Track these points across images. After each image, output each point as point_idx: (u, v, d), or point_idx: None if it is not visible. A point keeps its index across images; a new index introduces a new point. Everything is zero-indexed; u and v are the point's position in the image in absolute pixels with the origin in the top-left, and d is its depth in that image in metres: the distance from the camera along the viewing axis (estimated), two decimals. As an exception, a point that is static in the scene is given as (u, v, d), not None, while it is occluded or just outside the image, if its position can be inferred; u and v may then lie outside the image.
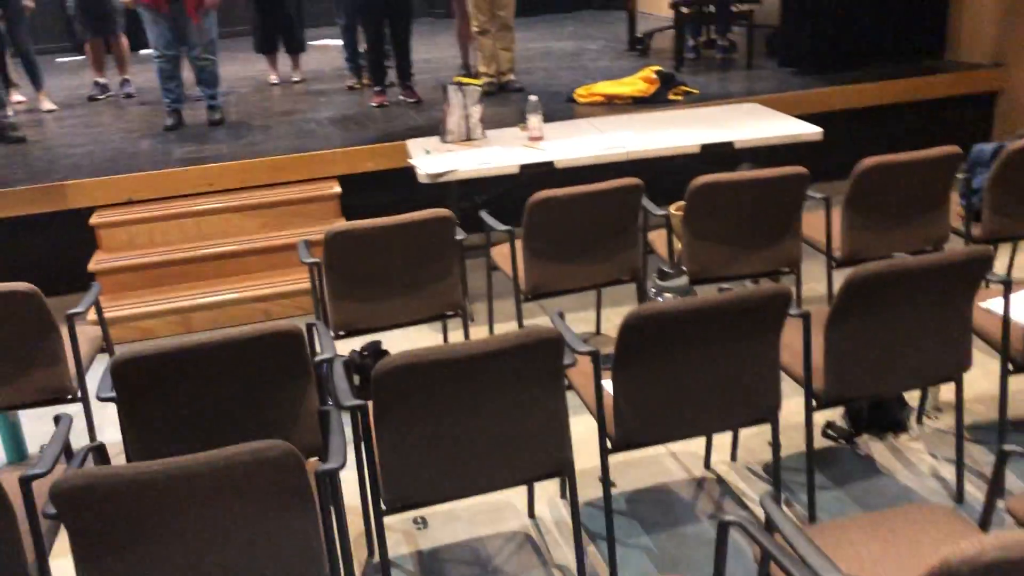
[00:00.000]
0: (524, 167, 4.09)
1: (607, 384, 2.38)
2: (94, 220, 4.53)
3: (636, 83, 5.56)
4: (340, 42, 6.97)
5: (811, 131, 4.27)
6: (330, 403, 2.40)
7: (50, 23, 8.71)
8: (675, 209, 3.54)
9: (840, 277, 3.58)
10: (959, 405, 2.71)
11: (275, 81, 7.11)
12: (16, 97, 6.62)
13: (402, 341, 3.63)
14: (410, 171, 4.32)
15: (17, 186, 4.61)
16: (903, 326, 2.47)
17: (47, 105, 6.53)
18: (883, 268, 2.37)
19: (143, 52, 8.10)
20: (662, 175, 4.24)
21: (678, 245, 3.49)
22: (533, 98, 4.40)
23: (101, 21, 6.59)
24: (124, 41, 6.87)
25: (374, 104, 6.01)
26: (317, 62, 7.88)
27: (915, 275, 2.40)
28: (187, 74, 5.85)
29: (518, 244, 3.42)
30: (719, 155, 4.22)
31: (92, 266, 4.38)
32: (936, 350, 2.53)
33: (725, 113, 4.81)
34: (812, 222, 3.58)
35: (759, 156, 4.31)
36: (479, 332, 3.81)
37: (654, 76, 5.56)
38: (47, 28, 8.70)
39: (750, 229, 3.34)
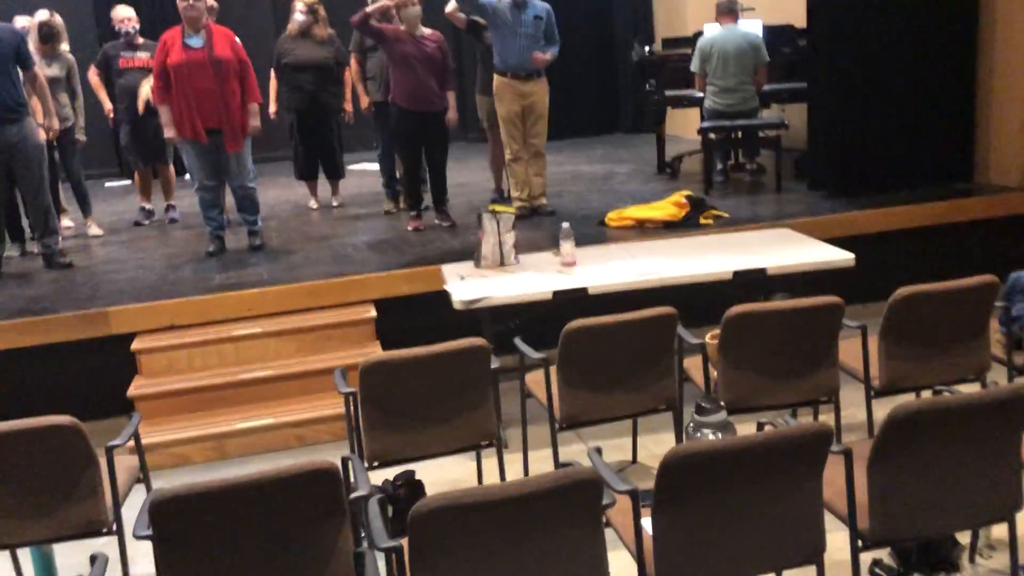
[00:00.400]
0: (557, 293, 4.13)
1: (646, 522, 2.34)
2: (135, 346, 4.62)
3: (667, 207, 5.65)
4: (377, 167, 7.19)
5: (843, 257, 4.29)
6: (365, 543, 2.37)
7: (101, 149, 9.09)
8: (710, 338, 3.53)
9: (879, 406, 3.55)
10: (1013, 544, 2.62)
11: (314, 206, 7.31)
12: (65, 222, 6.86)
13: (435, 471, 3.61)
14: (445, 294, 4.39)
15: (62, 312, 4.73)
16: (949, 465, 2.41)
17: (94, 231, 6.75)
18: (925, 405, 2.34)
19: (188, 178, 8.41)
20: (695, 300, 4.26)
21: (714, 373, 3.48)
22: (566, 225, 4.49)
23: (151, 151, 6.87)
24: (171, 169, 7.14)
25: (410, 228, 6.14)
26: (356, 186, 8.11)
27: (959, 412, 2.37)
28: (230, 198, 6.05)
29: (553, 371, 3.42)
30: (752, 281, 4.24)
31: (132, 392, 4.44)
32: (985, 490, 2.47)
33: (757, 238, 4.86)
34: (849, 349, 3.55)
35: (792, 281, 4.32)
36: (513, 460, 3.77)
37: (684, 200, 5.65)
38: (98, 154, 9.07)
39: (787, 359, 3.33)
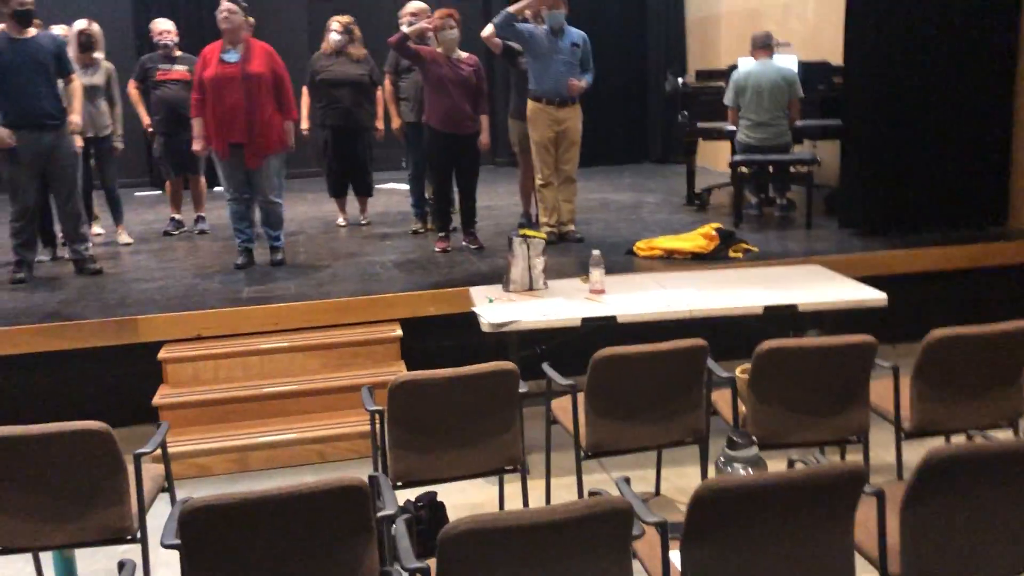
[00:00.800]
0: (586, 320, 4.12)
1: (674, 555, 2.31)
2: (162, 354, 4.64)
3: (696, 239, 5.64)
4: (406, 186, 7.22)
5: (875, 297, 4.26)
6: (391, 564, 2.36)
7: (133, 159, 9.15)
8: (740, 372, 3.51)
9: (908, 448, 3.50)
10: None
11: (343, 223, 7.35)
12: (96, 230, 6.92)
13: (456, 494, 3.59)
14: (471, 316, 4.39)
15: (91, 318, 4.77)
16: (983, 511, 2.37)
17: (124, 239, 6.82)
18: (962, 451, 2.31)
19: (217, 189, 8.48)
20: (724, 333, 4.24)
21: (743, 408, 3.45)
22: (596, 252, 4.49)
23: (183, 162, 6.95)
24: (202, 180, 7.21)
25: (437, 249, 6.16)
26: (383, 205, 8.15)
27: (996, 459, 2.33)
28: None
29: (580, 398, 3.40)
30: (782, 317, 4.21)
31: (157, 400, 4.46)
32: (1020, 538, 2.42)
33: (787, 274, 4.84)
34: (880, 389, 3.51)
35: (823, 318, 4.29)
36: (535, 486, 3.74)
37: (714, 233, 5.63)
38: (130, 163, 9.13)
39: (817, 396, 3.29)
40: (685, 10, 10.67)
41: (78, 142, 6.10)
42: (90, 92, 6.40)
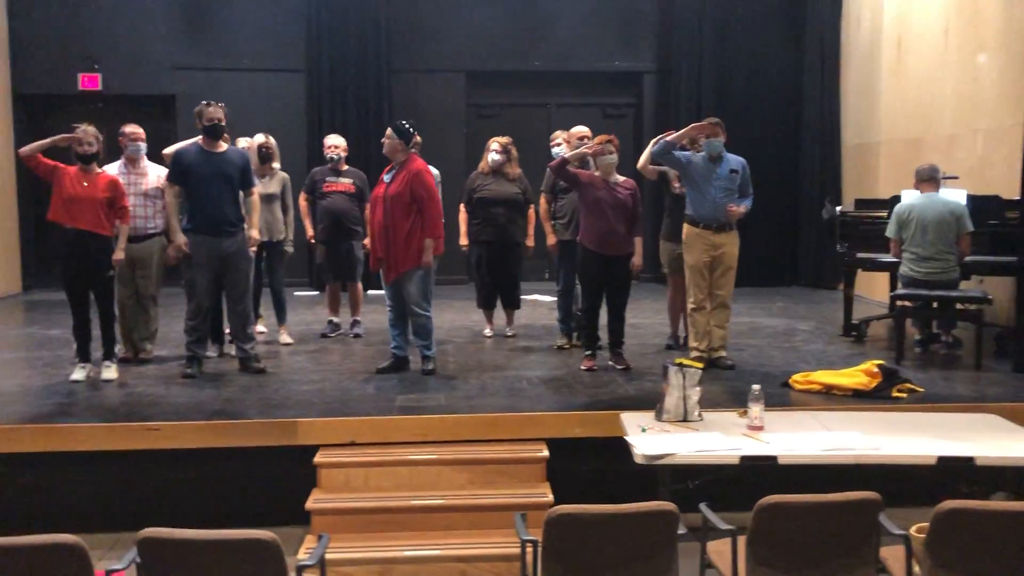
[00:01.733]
0: (745, 459, 3.98)
1: None
2: (318, 459, 4.76)
3: (857, 375, 5.41)
4: (550, 298, 7.28)
5: (1065, 455, 3.94)
6: None
7: (296, 261, 9.64)
8: (916, 531, 3.29)
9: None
10: None
11: (489, 334, 7.46)
12: (259, 328, 7.27)
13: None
14: (619, 442, 4.32)
15: (254, 418, 4.97)
16: None
17: (285, 339, 7.13)
18: None
19: (372, 292, 8.81)
20: (890, 480, 4.01)
21: (917, 569, 3.22)
22: (756, 388, 4.36)
23: (343, 269, 7.27)
24: (359, 286, 7.50)
25: (584, 368, 6.14)
26: (528, 317, 8.22)
27: None
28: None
29: (740, 543, 3.25)
30: (958, 470, 3.95)
31: (310, 504, 4.56)
32: None
33: (961, 421, 4.55)
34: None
35: (1005, 474, 4.00)
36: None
37: (876, 370, 5.40)
38: (293, 265, 9.60)
39: (1006, 569, 3.04)
40: (842, 136, 10.55)
41: (252, 247, 6.51)
42: (267, 199, 6.84)
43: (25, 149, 5.73)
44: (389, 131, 5.99)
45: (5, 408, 5.23)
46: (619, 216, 6.01)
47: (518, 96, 11.25)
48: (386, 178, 6.00)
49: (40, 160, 5.69)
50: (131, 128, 6.38)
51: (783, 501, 3.13)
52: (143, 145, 6.38)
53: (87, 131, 5.75)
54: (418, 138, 6.60)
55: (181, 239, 5.88)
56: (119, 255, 5.84)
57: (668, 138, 6.01)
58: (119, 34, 10.55)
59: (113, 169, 6.20)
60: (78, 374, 5.82)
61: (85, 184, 5.69)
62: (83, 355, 5.88)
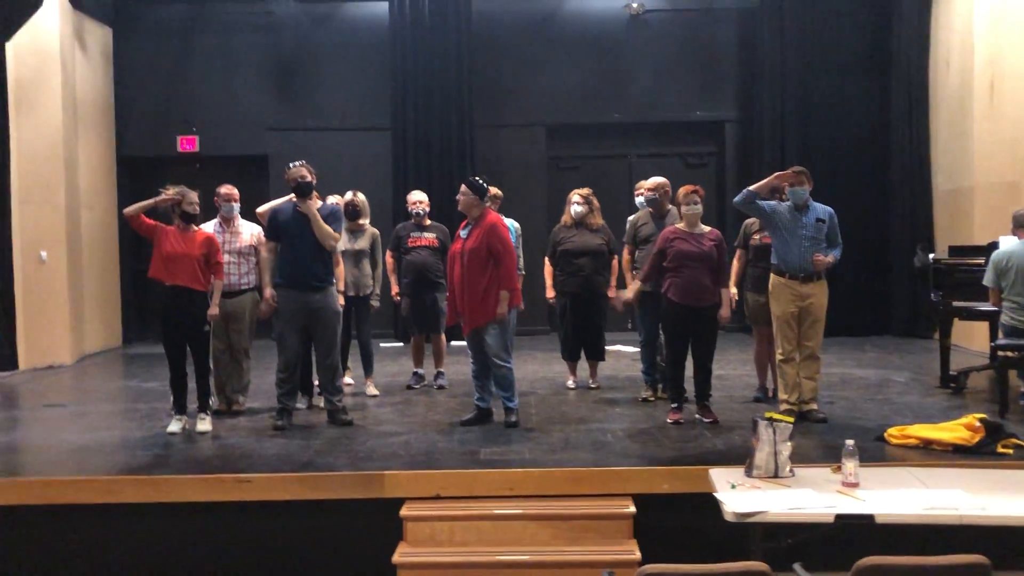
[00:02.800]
0: (840, 517, 3.85)
1: None
2: (404, 512, 4.78)
3: (958, 429, 5.20)
4: (632, 349, 7.22)
5: None
6: None
7: (381, 313, 9.79)
8: (1028, 597, 3.12)
9: None
10: None
11: (572, 385, 7.43)
12: (346, 380, 7.39)
13: None
14: (708, 498, 4.23)
15: (341, 470, 5.04)
16: None
17: (371, 390, 7.24)
18: None
19: (455, 344, 8.89)
20: (996, 541, 3.81)
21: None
22: (850, 443, 4.23)
23: (427, 322, 7.37)
24: (443, 339, 7.58)
25: (670, 420, 6.05)
26: (611, 368, 8.17)
27: None
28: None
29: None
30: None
31: (397, 558, 4.57)
32: None
33: (1072, 479, 4.31)
34: None
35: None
36: None
37: (978, 424, 5.17)
38: (379, 317, 9.78)
39: None
40: (932, 181, 10.28)
41: (340, 300, 6.67)
42: (356, 255, 7.01)
43: (129, 209, 6.01)
44: (464, 187, 6.10)
45: (105, 459, 5.43)
46: (704, 267, 5.96)
47: (598, 148, 11.34)
48: (462, 234, 6.10)
49: (142, 220, 5.97)
50: (226, 189, 6.64)
51: (884, 563, 3.01)
52: (237, 205, 6.63)
53: (190, 192, 6.02)
54: (495, 191, 6.69)
55: (270, 292, 6.08)
56: (214, 310, 6.05)
57: (752, 188, 5.96)
58: (215, 98, 11.07)
59: (209, 228, 6.45)
60: (174, 426, 6.00)
61: (183, 242, 5.94)
62: (179, 408, 6.07)
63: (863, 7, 10.60)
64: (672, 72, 11.10)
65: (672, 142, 11.27)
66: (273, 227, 6.13)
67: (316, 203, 6.21)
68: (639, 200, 7.12)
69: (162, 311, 6.02)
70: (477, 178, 6.17)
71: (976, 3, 9.16)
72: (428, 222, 7.46)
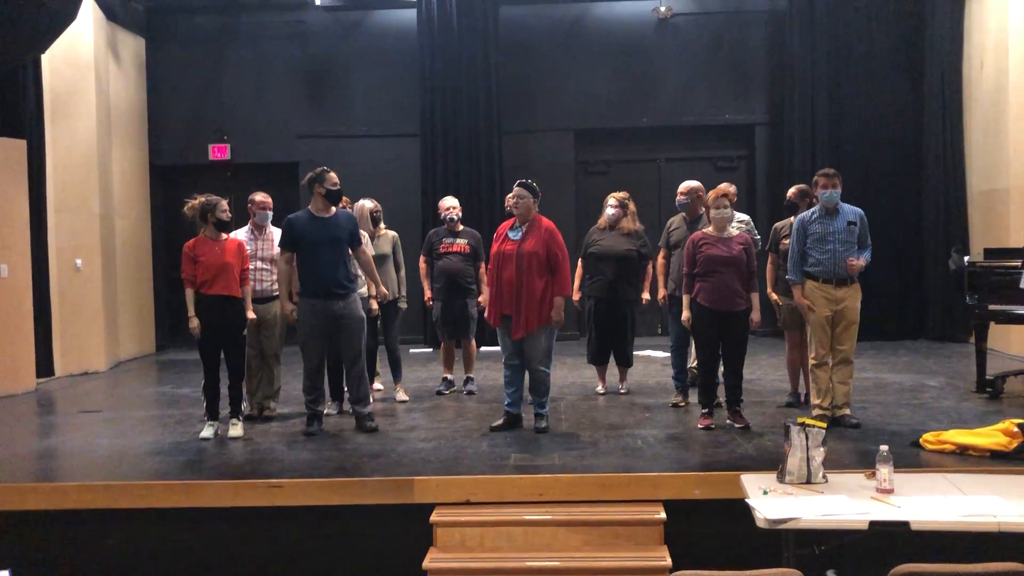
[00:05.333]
0: (874, 524, 3.79)
1: None
2: (434, 518, 4.79)
3: (995, 435, 5.11)
4: (663, 354, 7.18)
5: None
6: None
7: (410, 318, 9.85)
8: (1069, 606, 3.05)
9: None
10: None
11: (601, 391, 7.40)
12: (376, 386, 7.43)
13: None
14: (739, 503, 4.20)
15: (372, 475, 5.05)
16: None
17: (401, 396, 7.25)
18: None
19: (484, 349, 8.89)
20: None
21: (1071, 648, 2.97)
22: (884, 448, 4.17)
23: (457, 327, 7.38)
24: (472, 344, 7.58)
25: (701, 426, 6.01)
26: (641, 374, 8.13)
27: None
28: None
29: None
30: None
31: (427, 564, 4.57)
32: None
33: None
34: None
35: None
36: None
37: (1016, 429, 5.08)
38: (408, 323, 9.84)
39: None
40: (967, 182, 10.13)
41: (373, 305, 6.69)
42: (380, 259, 7.04)
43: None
44: (520, 190, 6.01)
45: (138, 464, 5.49)
46: (734, 272, 5.91)
47: (627, 152, 11.32)
48: (512, 235, 6.00)
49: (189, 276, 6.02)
50: (260, 196, 6.70)
51: (920, 571, 2.97)
52: (270, 213, 6.69)
53: (222, 200, 6.10)
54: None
55: (287, 307, 6.10)
56: (252, 314, 6.12)
57: (791, 267, 5.98)
58: (246, 106, 11.20)
59: (240, 234, 6.51)
60: (207, 432, 6.06)
61: (219, 252, 6.01)
62: (212, 413, 6.12)
63: (894, 8, 10.48)
64: (701, 75, 11.05)
65: (702, 146, 11.22)
66: (289, 237, 6.07)
67: (334, 209, 6.12)
68: (679, 200, 7.06)
69: (203, 319, 6.00)
70: (531, 181, 6.11)
71: (1011, 2, 9.02)
72: (461, 227, 7.47)
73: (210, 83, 11.23)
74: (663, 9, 10.87)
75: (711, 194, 6.12)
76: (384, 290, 6.56)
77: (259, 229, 6.65)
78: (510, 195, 6.14)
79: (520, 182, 6.09)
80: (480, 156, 10.75)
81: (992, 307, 6.82)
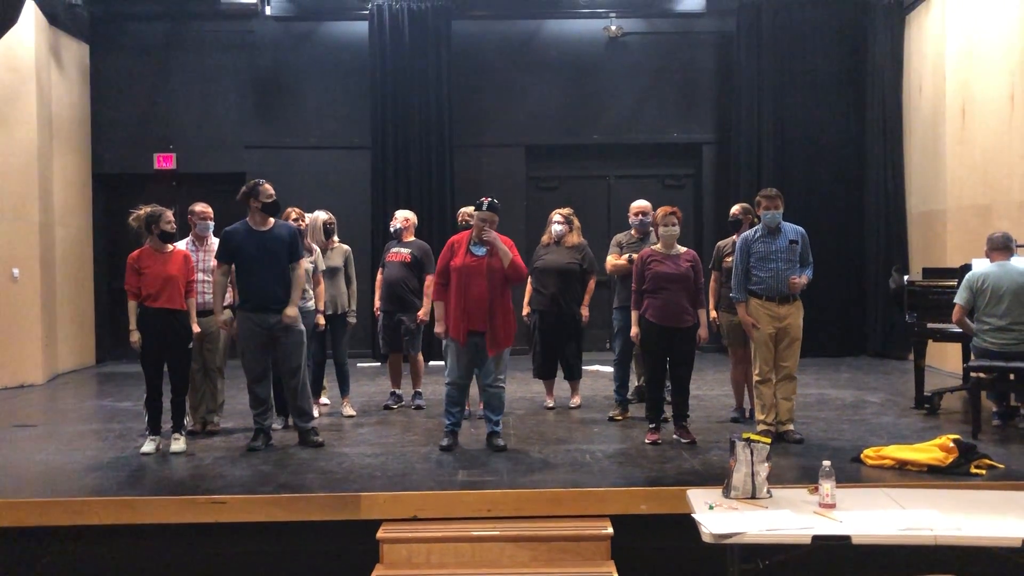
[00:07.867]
0: (817, 538, 3.86)
1: None
2: (381, 534, 4.74)
3: (932, 450, 5.24)
4: (611, 368, 7.22)
5: None
6: None
7: (359, 332, 9.76)
8: (1003, 618, 3.13)
9: None
10: None
11: (550, 405, 7.42)
12: (323, 400, 7.34)
13: None
14: (685, 519, 4.24)
15: (317, 491, 4.98)
16: None
17: (348, 411, 7.18)
18: None
19: (432, 363, 8.84)
20: (970, 562, 3.84)
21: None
22: (827, 464, 4.25)
23: (402, 340, 7.31)
24: (420, 357, 7.53)
25: (648, 441, 6.05)
26: (591, 388, 8.17)
27: None
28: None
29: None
30: (1045, 552, 3.77)
31: (372, 582, 4.53)
32: None
33: (1045, 500, 4.35)
34: None
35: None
36: None
37: (952, 444, 5.21)
38: (355, 336, 9.76)
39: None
40: (907, 204, 10.40)
41: (320, 320, 6.62)
42: (331, 273, 6.98)
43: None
44: (491, 215, 5.89)
45: (76, 480, 5.35)
46: (681, 288, 5.99)
47: (577, 169, 11.40)
48: (476, 251, 5.88)
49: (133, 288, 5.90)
50: (201, 207, 6.59)
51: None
52: (211, 224, 6.57)
53: (166, 211, 6.00)
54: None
55: (221, 318, 6.05)
56: (198, 327, 6.04)
57: (736, 286, 6.06)
58: (193, 115, 11.03)
59: (181, 246, 6.39)
60: (148, 447, 5.93)
61: (165, 263, 5.91)
62: (154, 427, 5.99)
63: (838, 33, 10.74)
64: (650, 94, 11.19)
65: (650, 163, 11.36)
66: (226, 250, 5.96)
67: (272, 222, 6.03)
68: (632, 221, 7.09)
69: (147, 332, 5.88)
70: (495, 201, 5.99)
71: (948, 29, 9.31)
72: (411, 238, 7.42)
73: (156, 91, 11.04)
74: (614, 28, 11.00)
75: (659, 212, 6.19)
76: (291, 311, 6.00)
77: (200, 240, 6.54)
78: (467, 210, 6.11)
79: (490, 204, 5.93)
80: (431, 170, 10.73)
81: (930, 325, 7.01)
